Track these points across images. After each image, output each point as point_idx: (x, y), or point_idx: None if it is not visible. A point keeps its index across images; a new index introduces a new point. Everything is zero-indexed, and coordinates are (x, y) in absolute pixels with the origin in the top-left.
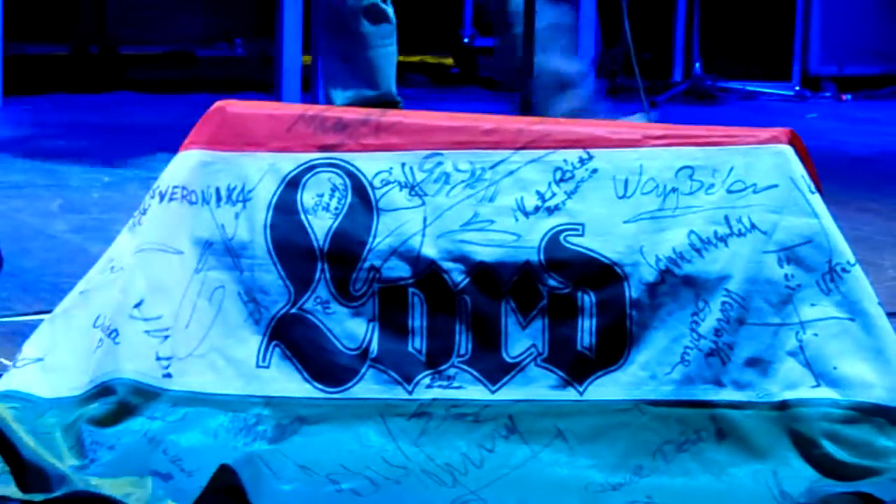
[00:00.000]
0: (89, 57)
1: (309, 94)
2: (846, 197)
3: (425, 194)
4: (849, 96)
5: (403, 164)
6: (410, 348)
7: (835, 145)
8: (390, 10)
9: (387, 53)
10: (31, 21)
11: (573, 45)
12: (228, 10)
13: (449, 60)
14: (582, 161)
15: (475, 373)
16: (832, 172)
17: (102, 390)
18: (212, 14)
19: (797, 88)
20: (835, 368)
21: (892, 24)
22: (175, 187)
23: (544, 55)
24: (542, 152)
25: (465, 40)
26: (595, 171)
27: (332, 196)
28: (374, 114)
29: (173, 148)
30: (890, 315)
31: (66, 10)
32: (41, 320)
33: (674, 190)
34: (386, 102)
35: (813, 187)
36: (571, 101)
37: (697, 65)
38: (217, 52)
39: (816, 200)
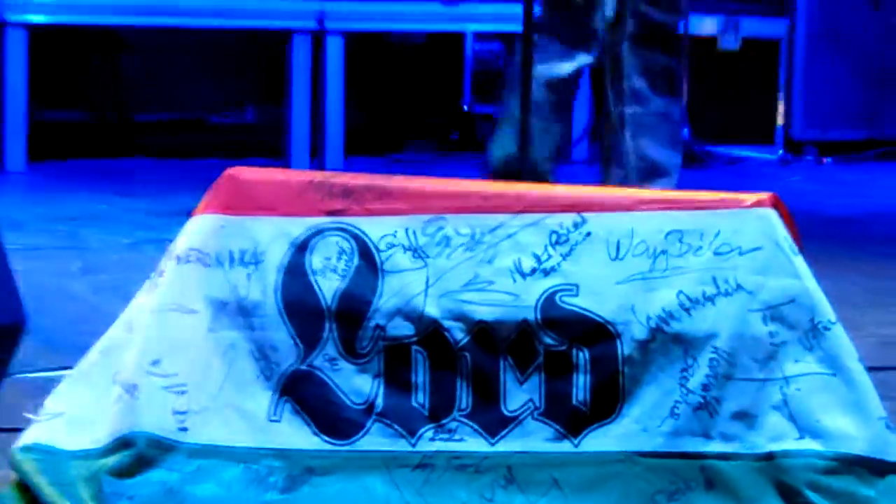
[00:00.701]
0: (107, 124)
1: (316, 159)
2: (827, 256)
3: (428, 256)
4: (829, 160)
5: (407, 229)
6: (414, 403)
7: (816, 207)
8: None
9: (549, 126)
10: (53, 90)
11: (676, 136)
12: (239, 78)
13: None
14: (576, 225)
15: (475, 426)
16: (814, 233)
17: (122, 443)
18: (223, 82)
19: (780, 152)
20: (817, 421)
21: (868, 91)
22: (190, 250)
23: (646, 140)
24: (538, 216)
25: (465, 108)
26: (589, 234)
27: (339, 258)
28: (379, 180)
29: (187, 212)
30: (870, 370)
31: (86, 80)
32: (62, 377)
33: (664, 252)
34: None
35: (796, 249)
36: (658, 188)
37: (686, 130)
38: (228, 118)
39: (799, 261)
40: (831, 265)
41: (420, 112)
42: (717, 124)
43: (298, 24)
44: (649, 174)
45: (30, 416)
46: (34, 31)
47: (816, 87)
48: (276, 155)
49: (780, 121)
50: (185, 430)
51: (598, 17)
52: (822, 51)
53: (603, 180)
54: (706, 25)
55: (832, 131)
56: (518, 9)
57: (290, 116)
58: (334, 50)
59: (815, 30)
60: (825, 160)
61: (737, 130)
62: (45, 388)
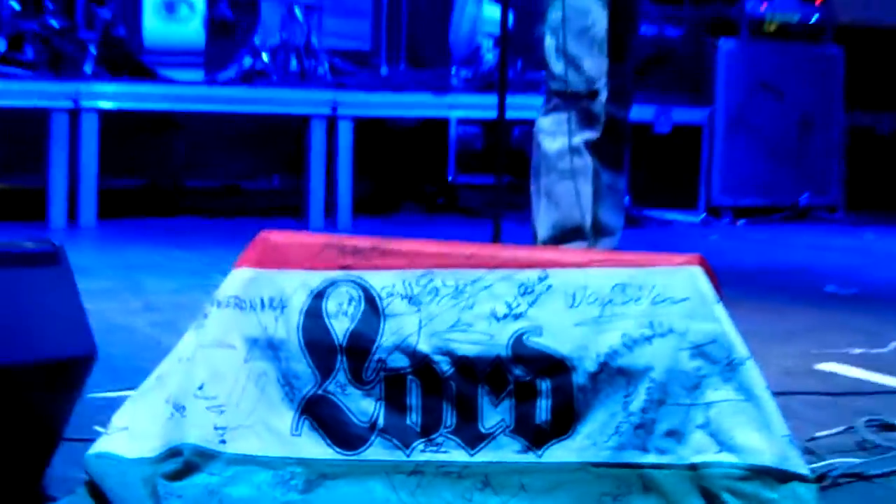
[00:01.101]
0: (162, 189)
1: (329, 217)
2: (741, 302)
3: (420, 304)
4: (742, 221)
5: (404, 281)
6: (409, 421)
7: (733, 261)
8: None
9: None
10: (119, 161)
11: (620, 203)
12: (268, 152)
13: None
14: (540, 279)
15: (458, 440)
16: (730, 283)
17: (173, 452)
18: (255, 156)
19: (703, 216)
20: (733, 438)
21: (772, 165)
22: (229, 297)
23: (597, 207)
24: (509, 272)
25: (450, 179)
26: (550, 286)
27: (349, 304)
28: (381, 241)
29: (227, 263)
30: (775, 395)
31: (145, 153)
32: (126, 397)
33: (610, 301)
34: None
35: (716, 298)
36: (606, 245)
37: (627, 198)
38: (259, 185)
39: (719, 309)
40: (744, 309)
41: (413, 181)
42: (651, 193)
43: (316, 111)
44: (599, 233)
45: (99, 429)
46: (104, 114)
47: (731, 162)
48: (297, 215)
49: (702, 190)
50: (223, 442)
51: None
52: (735, 134)
53: None
54: (644, 113)
55: (744, 199)
56: (493, 100)
57: (308, 183)
58: (345, 131)
59: (730, 117)
60: (739, 222)
61: (667, 198)
62: (112, 406)
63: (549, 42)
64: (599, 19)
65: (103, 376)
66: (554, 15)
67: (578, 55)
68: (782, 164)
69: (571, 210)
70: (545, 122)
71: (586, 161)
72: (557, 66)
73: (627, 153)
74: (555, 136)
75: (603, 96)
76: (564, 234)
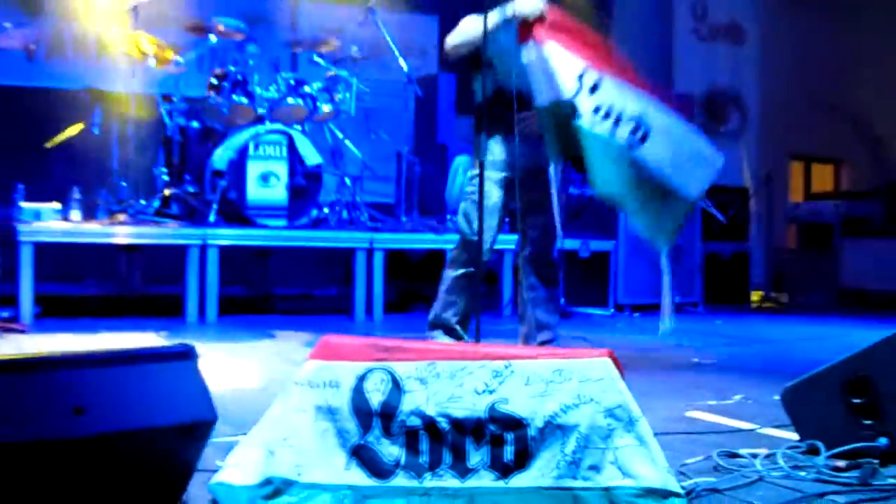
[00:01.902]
0: (259, 295)
1: (368, 314)
2: (639, 374)
3: (427, 383)
4: (637, 314)
5: (416, 368)
6: (421, 460)
7: (631, 343)
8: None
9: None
10: (231, 277)
11: (556, 307)
12: (328, 271)
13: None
14: (506, 367)
15: (453, 473)
16: (630, 357)
17: (267, 482)
18: (320, 274)
19: (611, 310)
20: (632, 470)
21: (658, 276)
22: (304, 379)
23: (538, 311)
24: (485, 362)
25: None
26: (513, 371)
27: (381, 384)
28: (402, 343)
29: (302, 348)
30: (658, 434)
31: (248, 272)
32: (235, 443)
33: (551, 381)
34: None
35: (620, 377)
36: (545, 335)
37: (562, 299)
38: (323, 293)
39: (622, 385)
40: (638, 374)
41: (421, 290)
42: (578, 296)
43: (359, 245)
44: (540, 328)
45: (219, 463)
46: (222, 248)
47: (629, 275)
48: (347, 312)
49: (611, 293)
50: (300, 474)
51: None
52: (632, 256)
53: (520, 330)
54: (573, 244)
55: (638, 299)
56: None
57: (354, 292)
58: (378, 258)
59: (628, 247)
60: (635, 314)
61: (589, 299)
62: (226, 449)
63: (462, 205)
64: (494, 196)
65: (220, 427)
66: (469, 188)
67: (471, 216)
68: (662, 277)
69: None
70: (451, 254)
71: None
72: (462, 222)
73: (562, 274)
74: (452, 263)
75: (486, 245)
76: (436, 323)
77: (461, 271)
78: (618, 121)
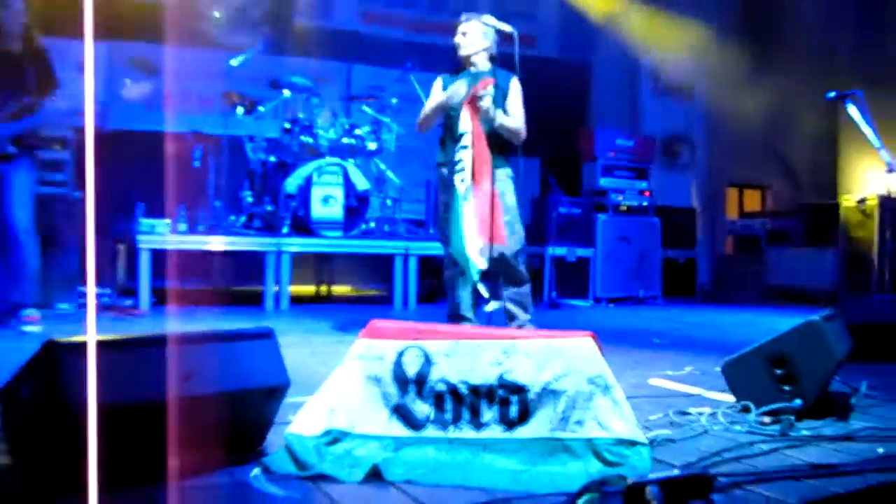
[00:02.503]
0: (321, 290)
1: (405, 303)
2: (610, 348)
3: (451, 358)
4: (612, 305)
5: (443, 346)
6: (446, 416)
7: (606, 326)
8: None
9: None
10: (299, 275)
11: (525, 303)
12: (374, 271)
13: None
14: (512, 345)
15: (471, 426)
16: (605, 338)
17: (327, 433)
18: (367, 273)
19: (591, 302)
20: (608, 424)
21: (627, 275)
22: (357, 354)
23: (506, 303)
24: (496, 341)
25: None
26: (517, 349)
27: (416, 358)
28: (432, 327)
29: (354, 330)
30: (628, 397)
31: (313, 272)
32: (303, 402)
33: (546, 356)
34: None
35: (600, 353)
36: (515, 325)
37: (554, 293)
38: (370, 287)
39: (601, 359)
40: (611, 352)
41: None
42: (565, 290)
43: (398, 251)
44: (511, 318)
45: (290, 418)
46: (293, 254)
47: (605, 275)
48: (387, 303)
49: (591, 288)
50: (353, 427)
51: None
52: (607, 261)
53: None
54: (561, 251)
55: (612, 293)
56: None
57: (392, 287)
58: (412, 262)
59: (605, 253)
60: (610, 305)
61: (573, 293)
62: (297, 406)
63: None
64: (470, 229)
65: (292, 390)
66: (441, 212)
67: (445, 230)
68: (630, 276)
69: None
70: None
71: (456, 283)
72: (441, 235)
73: (549, 273)
74: (444, 267)
75: (458, 249)
76: (453, 315)
77: (448, 271)
78: None
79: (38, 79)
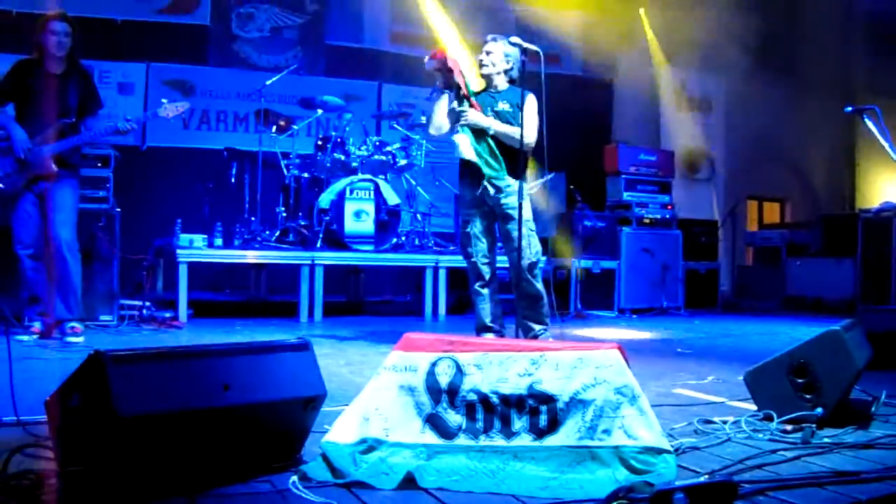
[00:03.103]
0: (354, 302)
1: (434, 316)
2: (636, 357)
3: (482, 368)
4: (636, 316)
5: (475, 357)
6: (477, 426)
7: (631, 336)
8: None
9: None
10: (332, 288)
11: (541, 315)
12: (405, 283)
13: None
14: (541, 356)
15: (501, 435)
16: (631, 348)
17: (363, 441)
18: (399, 284)
19: (616, 313)
20: (635, 433)
21: (650, 287)
22: (391, 365)
23: (519, 318)
24: (526, 353)
25: None
26: (546, 360)
27: (448, 369)
28: (463, 339)
29: (388, 340)
30: (653, 405)
31: (346, 284)
32: (340, 412)
33: (575, 367)
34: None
35: (626, 364)
36: (532, 336)
37: (579, 304)
38: (401, 299)
39: (627, 369)
40: (637, 361)
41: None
42: (592, 302)
43: (427, 264)
44: (526, 331)
45: (327, 427)
46: (326, 267)
47: (629, 287)
48: (418, 314)
49: (616, 299)
50: (387, 436)
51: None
52: (631, 271)
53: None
54: (587, 264)
55: (636, 304)
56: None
57: (423, 298)
58: (442, 274)
59: (629, 265)
60: (634, 316)
61: (599, 304)
62: (333, 415)
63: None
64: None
65: (327, 400)
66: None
67: (464, 243)
68: (654, 287)
69: (478, 317)
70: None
71: (480, 296)
72: (461, 249)
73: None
74: (473, 283)
75: (480, 262)
76: (480, 327)
77: (474, 286)
78: None
79: (80, 99)
